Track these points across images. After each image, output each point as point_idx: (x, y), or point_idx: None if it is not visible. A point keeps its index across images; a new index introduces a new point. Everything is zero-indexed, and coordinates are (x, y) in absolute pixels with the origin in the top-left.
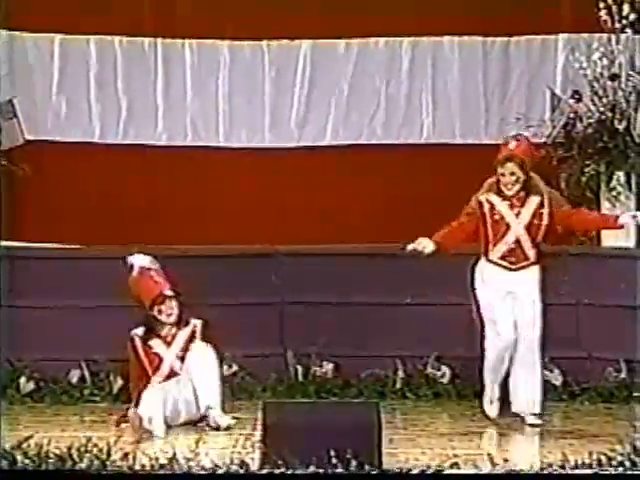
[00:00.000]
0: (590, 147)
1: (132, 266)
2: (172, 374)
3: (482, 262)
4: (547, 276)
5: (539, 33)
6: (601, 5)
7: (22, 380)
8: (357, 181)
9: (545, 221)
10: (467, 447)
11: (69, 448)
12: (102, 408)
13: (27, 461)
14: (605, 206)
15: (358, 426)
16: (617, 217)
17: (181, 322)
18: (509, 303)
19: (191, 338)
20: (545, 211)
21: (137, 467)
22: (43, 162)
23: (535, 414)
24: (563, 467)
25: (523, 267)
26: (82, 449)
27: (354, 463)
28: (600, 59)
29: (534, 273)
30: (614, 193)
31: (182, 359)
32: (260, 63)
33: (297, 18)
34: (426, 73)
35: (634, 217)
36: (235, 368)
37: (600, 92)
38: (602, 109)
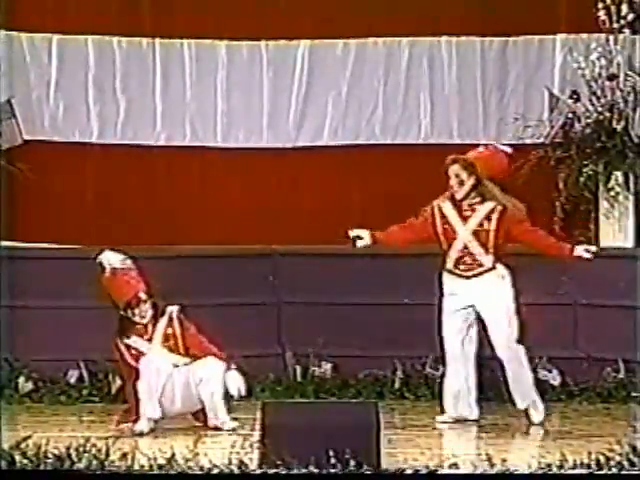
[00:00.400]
0: (588, 147)
1: (103, 266)
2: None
3: (444, 271)
4: (545, 276)
5: (537, 33)
6: (599, 5)
7: (21, 380)
8: (355, 181)
9: (493, 227)
10: (465, 447)
11: (68, 448)
12: (100, 408)
13: (26, 461)
14: (604, 206)
15: (357, 426)
16: (572, 248)
17: (157, 317)
18: (461, 317)
19: (169, 325)
20: (494, 217)
21: (136, 467)
22: (41, 162)
23: (536, 408)
24: (562, 467)
25: (479, 274)
26: (81, 449)
27: (353, 463)
28: (598, 59)
29: (493, 279)
30: (612, 193)
31: (170, 349)
32: (258, 63)
33: (295, 18)
34: (424, 73)
35: (587, 251)
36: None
37: (598, 92)
38: (600, 109)
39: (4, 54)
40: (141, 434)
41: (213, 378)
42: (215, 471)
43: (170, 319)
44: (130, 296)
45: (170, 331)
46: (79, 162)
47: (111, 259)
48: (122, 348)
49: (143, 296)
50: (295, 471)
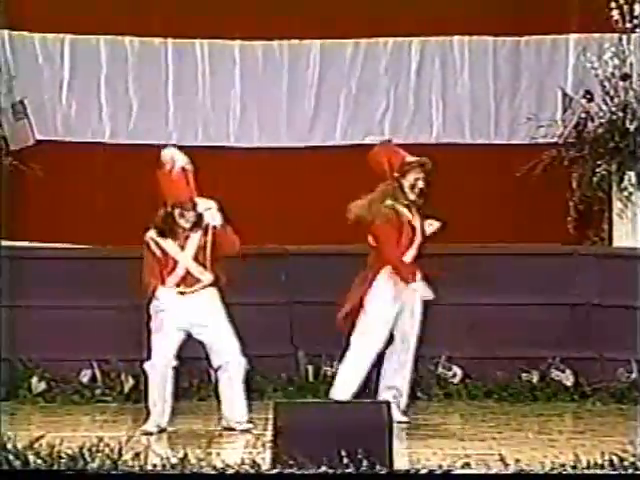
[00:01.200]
0: (601, 147)
1: (167, 160)
2: (187, 276)
3: None
4: (555, 276)
5: (550, 33)
6: (612, 5)
7: (34, 380)
8: (367, 181)
9: None
10: (478, 447)
11: (81, 448)
12: (113, 408)
13: (39, 461)
14: (617, 206)
15: (369, 426)
16: None
17: (198, 226)
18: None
19: (204, 235)
20: None
21: (148, 467)
22: (53, 162)
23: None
24: (575, 467)
25: None
26: (94, 449)
27: (365, 463)
28: (611, 59)
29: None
30: (625, 193)
31: (196, 260)
32: (270, 63)
33: (307, 18)
34: (436, 73)
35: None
36: (246, 368)
37: (611, 92)
38: (613, 109)
39: (17, 55)
40: (150, 434)
41: (234, 379)
42: (228, 471)
43: (206, 229)
44: (185, 197)
45: (203, 242)
46: (91, 162)
47: (178, 157)
48: (152, 243)
49: (197, 201)
50: (308, 471)
